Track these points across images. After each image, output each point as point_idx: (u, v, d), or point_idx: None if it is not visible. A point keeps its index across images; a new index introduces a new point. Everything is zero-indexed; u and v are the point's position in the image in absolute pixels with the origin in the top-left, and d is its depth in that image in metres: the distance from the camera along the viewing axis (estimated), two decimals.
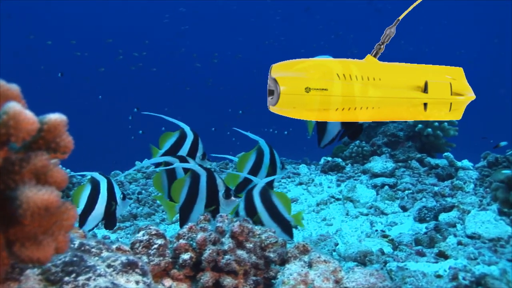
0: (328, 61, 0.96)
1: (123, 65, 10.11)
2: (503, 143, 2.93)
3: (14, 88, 0.55)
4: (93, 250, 0.89)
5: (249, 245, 1.14)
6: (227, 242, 1.11)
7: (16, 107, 0.51)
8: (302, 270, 1.06)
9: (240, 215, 1.69)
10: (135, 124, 6.32)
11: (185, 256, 1.10)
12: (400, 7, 0.97)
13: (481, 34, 14.13)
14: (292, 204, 2.86)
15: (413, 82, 0.99)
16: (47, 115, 0.56)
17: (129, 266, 0.85)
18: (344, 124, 1.70)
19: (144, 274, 0.86)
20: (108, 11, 13.99)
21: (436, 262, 1.88)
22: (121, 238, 2.47)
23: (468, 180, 2.83)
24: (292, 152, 4.44)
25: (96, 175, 1.96)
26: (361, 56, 0.99)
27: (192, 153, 2.10)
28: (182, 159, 1.93)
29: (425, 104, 1.00)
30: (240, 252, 1.11)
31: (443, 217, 2.41)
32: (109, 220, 1.99)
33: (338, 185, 3.17)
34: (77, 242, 0.89)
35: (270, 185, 2.00)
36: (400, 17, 0.98)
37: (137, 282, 0.84)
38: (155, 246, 1.08)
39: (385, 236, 2.23)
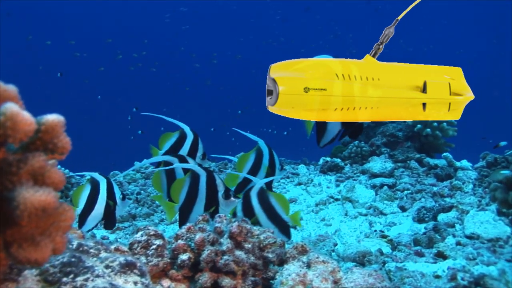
0: (327, 61, 0.96)
1: (123, 65, 10.11)
2: (502, 143, 2.93)
3: (12, 89, 0.55)
4: (91, 250, 0.89)
5: (247, 246, 1.14)
6: (226, 243, 1.11)
7: (13, 108, 0.51)
8: (300, 271, 1.06)
9: (237, 216, 1.69)
10: (134, 124, 6.32)
11: (184, 256, 1.10)
12: (399, 7, 0.97)
13: (481, 34, 14.14)
14: (291, 204, 2.87)
15: (412, 82, 0.99)
16: (45, 116, 0.56)
17: (127, 267, 0.85)
18: (344, 124, 1.70)
19: (142, 274, 0.86)
20: (108, 11, 13.99)
21: (435, 263, 1.88)
22: (120, 238, 2.47)
23: (467, 181, 2.83)
24: (291, 153, 4.44)
25: (96, 175, 1.96)
26: (360, 56, 0.99)
27: (192, 153, 2.10)
28: (182, 159, 1.92)
29: (424, 104, 1.00)
30: (238, 253, 1.11)
31: (442, 217, 2.41)
32: (109, 220, 1.99)
33: (337, 185, 3.17)
34: (75, 243, 0.89)
35: (269, 185, 2.00)
36: (399, 17, 0.98)
37: (135, 283, 0.84)
38: (154, 246, 1.08)
39: (384, 237, 2.23)
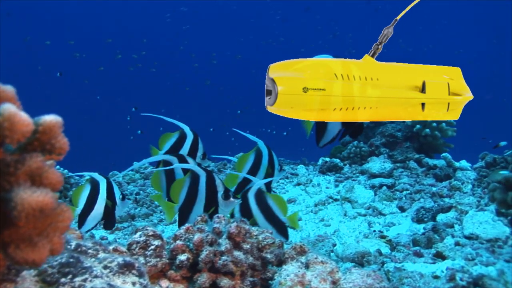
0: (326, 61, 0.96)
1: (123, 65, 10.11)
2: (502, 143, 2.93)
3: (9, 89, 0.55)
4: (89, 251, 0.89)
5: (246, 246, 1.14)
6: (224, 243, 1.11)
7: (11, 108, 0.51)
8: (299, 271, 1.06)
9: (235, 217, 1.69)
10: (133, 124, 6.32)
11: (182, 257, 1.10)
12: (399, 7, 0.97)
13: (481, 34, 14.15)
14: (290, 204, 2.87)
15: (411, 82, 0.99)
16: (42, 117, 0.56)
17: (126, 267, 0.85)
18: (344, 123, 1.69)
19: (140, 275, 0.86)
20: (108, 11, 13.99)
21: (434, 263, 1.88)
22: (119, 238, 2.47)
23: (466, 181, 2.83)
24: (290, 153, 4.44)
25: (96, 175, 1.96)
26: (360, 56, 0.99)
27: (192, 153, 2.10)
28: (181, 158, 1.92)
29: (423, 104, 1.00)
30: (237, 253, 1.11)
31: (441, 217, 2.41)
32: (108, 221, 1.99)
33: (336, 186, 3.17)
34: (73, 243, 0.89)
35: (268, 186, 2.00)
36: (398, 17, 0.98)
37: (133, 283, 0.84)
38: (152, 247, 1.08)
39: (383, 237, 2.23)
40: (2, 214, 0.52)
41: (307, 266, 1.09)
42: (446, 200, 2.67)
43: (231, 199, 1.77)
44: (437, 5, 12.84)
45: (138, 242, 1.08)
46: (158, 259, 1.08)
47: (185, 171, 1.88)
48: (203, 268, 1.10)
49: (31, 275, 0.75)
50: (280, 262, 1.16)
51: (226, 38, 13.71)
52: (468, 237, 2.13)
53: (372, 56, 0.99)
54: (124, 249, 1.03)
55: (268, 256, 1.16)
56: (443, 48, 14.04)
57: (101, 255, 0.89)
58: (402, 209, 2.69)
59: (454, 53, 13.23)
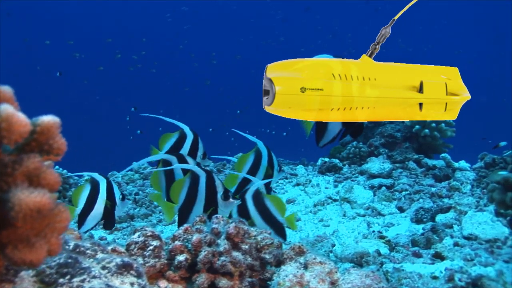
0: (324, 61, 0.96)
1: (122, 65, 10.11)
2: (502, 143, 2.94)
3: (7, 90, 0.55)
4: (88, 251, 0.89)
5: (244, 247, 1.14)
6: (223, 244, 1.11)
7: (8, 109, 0.51)
8: (297, 272, 1.06)
9: (233, 218, 1.69)
10: (133, 124, 6.33)
11: (181, 257, 1.10)
12: (399, 7, 0.97)
13: (481, 34, 14.16)
14: (289, 205, 2.87)
15: (409, 82, 0.99)
16: (40, 117, 0.56)
17: (124, 268, 0.85)
18: (344, 123, 1.69)
19: (139, 275, 0.86)
20: (108, 11, 13.98)
21: (433, 263, 1.88)
22: (118, 239, 2.47)
23: (465, 181, 2.83)
24: (290, 153, 4.44)
25: (96, 175, 1.96)
26: (359, 56, 0.99)
27: (192, 152, 2.10)
28: (180, 157, 1.93)
29: (421, 104, 1.00)
30: (235, 254, 1.11)
31: (440, 218, 2.41)
32: (108, 221, 2.00)
33: (336, 186, 3.17)
34: (72, 244, 0.89)
35: (267, 187, 2.00)
36: (396, 17, 0.98)
37: (132, 284, 0.84)
38: (151, 247, 1.08)
39: (382, 237, 2.23)
40: (0, 215, 0.52)
41: (305, 266, 1.09)
42: (445, 200, 2.67)
43: (231, 199, 1.77)
44: (437, 5, 12.85)
45: (136, 243, 1.08)
46: (157, 259, 1.08)
47: (185, 171, 1.88)
48: (202, 269, 1.10)
49: (29, 276, 0.75)
50: (279, 262, 1.16)
51: (226, 38, 13.71)
52: (467, 238, 2.14)
53: (370, 56, 0.99)
54: (122, 249, 1.03)
55: (267, 256, 1.16)
56: (443, 48, 14.05)
57: (100, 255, 0.89)
58: (401, 210, 2.69)
59: (453, 53, 13.23)
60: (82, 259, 0.81)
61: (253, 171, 2.05)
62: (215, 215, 1.20)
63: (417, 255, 1.97)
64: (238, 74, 12.48)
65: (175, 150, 2.09)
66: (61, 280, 0.76)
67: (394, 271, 1.69)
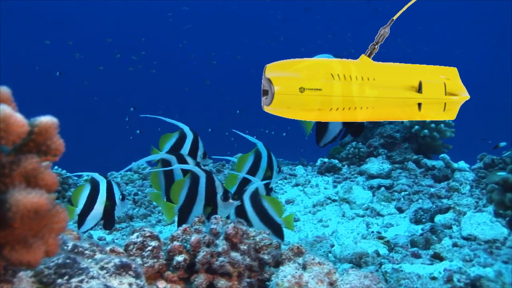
0: (323, 61, 0.96)
1: (122, 65, 10.11)
2: (502, 144, 2.94)
3: (5, 90, 0.55)
4: (86, 252, 0.89)
5: (243, 247, 1.14)
6: (221, 244, 1.11)
7: (6, 110, 0.51)
8: (296, 272, 1.06)
9: (231, 219, 1.70)
10: (132, 124, 6.33)
11: (179, 258, 1.10)
12: (399, 7, 0.97)
13: (481, 34, 14.16)
14: (288, 205, 2.87)
15: (407, 82, 0.99)
16: (38, 118, 0.56)
17: (122, 268, 0.85)
18: (345, 123, 1.68)
19: (137, 276, 0.86)
20: (108, 11, 13.98)
21: (431, 264, 1.88)
22: (117, 239, 2.47)
23: (464, 182, 2.83)
24: (289, 153, 4.44)
25: (96, 175, 1.97)
26: (359, 56, 0.99)
27: (193, 152, 2.10)
28: (179, 157, 1.93)
29: (419, 104, 1.00)
30: (234, 254, 1.11)
31: (439, 218, 2.41)
32: (108, 220, 2.00)
33: (335, 187, 3.17)
34: (70, 244, 0.89)
35: (266, 188, 2.00)
36: (394, 17, 0.98)
37: (130, 284, 0.84)
38: (149, 248, 1.08)
39: (381, 238, 2.23)
40: None
41: (304, 267, 1.09)
42: (444, 201, 2.67)
43: (230, 200, 1.77)
44: (437, 5, 12.85)
45: (135, 243, 1.08)
46: (155, 260, 1.08)
47: (185, 171, 1.88)
48: (200, 269, 1.10)
49: (27, 276, 0.75)
50: (278, 263, 1.16)
51: (226, 38, 13.72)
52: (466, 238, 2.14)
53: (369, 56, 0.99)
54: (121, 250, 1.03)
55: (265, 257, 1.16)
56: (443, 48, 14.06)
57: (98, 256, 0.89)
58: (400, 210, 2.69)
59: (453, 53, 13.24)
60: (81, 260, 0.81)
61: (252, 171, 2.05)
62: (214, 216, 1.20)
63: (416, 256, 1.97)
64: (238, 74, 12.48)
65: (175, 150, 2.09)
66: (59, 281, 0.76)
67: (393, 272, 1.69)
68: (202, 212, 1.76)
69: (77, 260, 0.80)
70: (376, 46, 0.99)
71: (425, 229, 2.25)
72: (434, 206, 2.55)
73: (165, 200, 1.92)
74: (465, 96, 1.04)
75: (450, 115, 1.05)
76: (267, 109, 0.93)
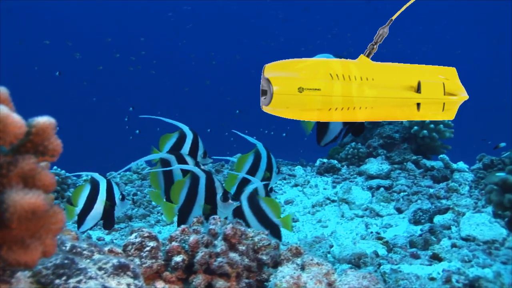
0: (322, 61, 0.96)
1: (122, 65, 10.10)
2: (502, 144, 2.94)
3: (2, 91, 0.55)
4: (84, 252, 0.89)
5: (241, 248, 1.14)
6: (220, 245, 1.11)
7: (3, 110, 0.51)
8: (294, 273, 1.06)
9: (229, 219, 1.70)
10: (132, 124, 6.33)
11: (178, 258, 1.10)
12: (399, 7, 0.97)
13: (481, 34, 14.17)
14: (287, 205, 2.87)
15: (406, 82, 0.99)
16: (35, 118, 0.56)
17: (121, 269, 0.84)
18: (346, 122, 1.68)
19: (135, 276, 0.86)
20: (107, 11, 13.98)
21: (430, 265, 1.88)
22: (115, 239, 2.47)
23: (463, 182, 2.83)
24: (288, 154, 4.44)
25: (96, 175, 1.97)
26: (358, 56, 0.99)
27: (193, 152, 2.10)
28: (179, 157, 1.93)
29: (418, 104, 1.00)
30: (232, 255, 1.11)
31: (438, 219, 2.41)
32: (108, 220, 2.00)
33: (334, 187, 3.17)
34: (68, 245, 0.89)
35: (266, 189, 2.00)
36: (393, 17, 0.98)
37: (128, 285, 0.84)
38: (148, 248, 1.08)
39: (380, 238, 2.23)
40: None
41: (302, 267, 1.09)
42: (443, 201, 2.67)
43: (230, 201, 1.77)
44: (437, 5, 12.85)
45: (133, 243, 1.08)
46: (154, 260, 1.08)
47: (184, 171, 1.88)
48: (199, 270, 1.09)
49: (25, 276, 0.75)
50: (276, 263, 1.16)
51: (226, 38, 13.71)
52: (465, 239, 2.14)
53: (368, 56, 0.99)
54: (119, 250, 1.03)
55: (264, 257, 1.15)
56: (443, 48, 14.06)
57: (96, 256, 0.89)
58: (399, 211, 2.69)
59: (453, 53, 13.24)
60: (79, 260, 0.81)
61: (252, 172, 2.05)
62: (213, 216, 1.20)
63: (415, 256, 1.97)
64: (237, 74, 12.48)
65: (175, 150, 2.09)
66: (57, 281, 0.76)
67: (391, 272, 1.69)
68: (201, 213, 1.76)
69: (75, 261, 0.80)
70: (375, 46, 0.99)
71: (424, 229, 2.25)
72: (433, 207, 2.56)
73: (164, 200, 1.92)
74: (464, 96, 1.04)
75: (449, 115, 1.05)
76: (266, 109, 0.93)
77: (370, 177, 3.16)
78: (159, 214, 2.87)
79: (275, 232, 1.76)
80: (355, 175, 3.30)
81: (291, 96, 0.89)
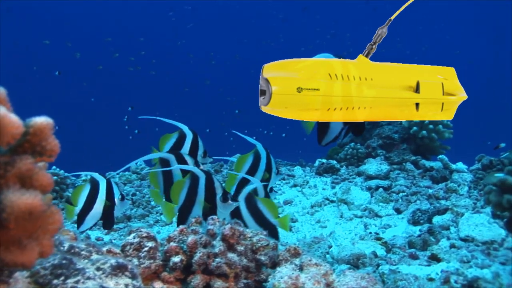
0: (321, 61, 0.96)
1: (122, 65, 10.10)
2: (502, 145, 2.94)
3: (0, 91, 0.55)
4: (82, 252, 0.89)
5: (240, 248, 1.14)
6: (218, 245, 1.11)
7: (1, 110, 0.51)
8: (293, 273, 1.06)
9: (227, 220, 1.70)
10: (131, 124, 6.33)
11: (176, 259, 1.10)
12: (398, 7, 0.97)
13: (481, 34, 14.17)
14: (286, 206, 2.87)
15: (405, 82, 0.99)
16: (33, 119, 0.56)
17: (119, 269, 0.84)
18: (346, 122, 1.67)
19: (133, 277, 0.86)
20: (107, 11, 13.97)
21: (429, 265, 1.88)
22: (114, 239, 2.47)
23: (462, 183, 2.83)
24: (288, 154, 4.44)
25: (96, 175, 1.97)
26: (357, 56, 0.99)
27: (193, 152, 2.10)
28: (178, 156, 1.93)
29: (417, 104, 1.00)
30: (231, 255, 1.11)
31: (437, 219, 2.41)
32: (107, 220, 2.00)
33: (333, 187, 3.17)
34: (66, 245, 0.89)
35: (265, 190, 2.00)
36: (392, 17, 0.98)
37: (126, 285, 0.84)
38: (146, 248, 1.08)
39: (378, 239, 2.23)
40: None
41: (301, 268, 1.09)
42: (442, 202, 2.67)
43: (229, 201, 1.77)
44: (436, 5, 12.86)
45: (131, 244, 1.08)
46: (152, 260, 1.08)
47: (184, 171, 1.88)
48: (197, 270, 1.09)
49: (23, 277, 0.74)
50: (274, 264, 1.16)
51: (226, 38, 13.71)
52: (463, 240, 2.14)
53: (367, 56, 0.99)
54: (117, 250, 1.03)
55: (262, 258, 1.15)
56: (442, 48, 14.05)
57: (94, 256, 0.89)
58: (398, 211, 2.70)
59: (453, 54, 13.24)
60: (77, 260, 0.81)
61: (251, 172, 2.05)
62: (211, 216, 1.20)
63: (414, 257, 1.97)
64: (237, 74, 12.47)
65: (175, 150, 2.09)
66: (55, 281, 0.76)
67: (390, 273, 1.70)
68: (201, 213, 1.76)
69: (73, 261, 0.80)
70: (373, 46, 0.99)
71: (423, 230, 2.25)
72: (432, 207, 2.56)
73: (164, 200, 1.92)
74: (462, 96, 1.04)
75: (448, 115, 1.05)
76: (264, 109, 0.93)
77: (369, 177, 3.16)
78: (158, 214, 2.87)
79: (272, 232, 1.76)
80: (354, 176, 3.30)
81: (290, 96, 0.89)
